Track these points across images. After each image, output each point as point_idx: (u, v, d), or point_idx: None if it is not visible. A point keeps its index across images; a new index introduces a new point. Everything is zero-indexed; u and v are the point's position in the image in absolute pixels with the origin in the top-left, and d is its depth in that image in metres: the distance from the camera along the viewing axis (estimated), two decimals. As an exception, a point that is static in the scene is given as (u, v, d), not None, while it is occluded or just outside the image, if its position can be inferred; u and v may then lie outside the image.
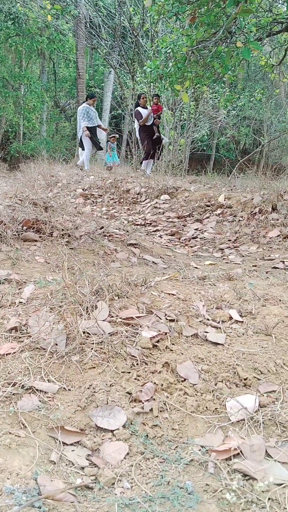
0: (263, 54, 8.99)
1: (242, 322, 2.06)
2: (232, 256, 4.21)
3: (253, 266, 3.82)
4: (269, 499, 1.20)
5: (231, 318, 2.08)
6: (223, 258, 4.16)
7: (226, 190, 6.70)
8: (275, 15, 6.49)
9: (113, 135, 10.39)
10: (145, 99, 9.58)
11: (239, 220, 5.29)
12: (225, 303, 2.23)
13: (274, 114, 19.43)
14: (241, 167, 12.58)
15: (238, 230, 5.02)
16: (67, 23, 17.26)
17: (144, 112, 9.59)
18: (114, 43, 12.80)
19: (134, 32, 10.93)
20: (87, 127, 9.71)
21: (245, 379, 1.65)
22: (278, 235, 4.64)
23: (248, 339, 1.90)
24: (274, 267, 3.75)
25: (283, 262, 3.89)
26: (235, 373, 1.68)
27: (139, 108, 9.66)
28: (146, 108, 9.71)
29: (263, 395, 1.59)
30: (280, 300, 2.26)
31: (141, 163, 10.23)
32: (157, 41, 6.66)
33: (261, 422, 1.47)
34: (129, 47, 11.92)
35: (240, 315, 2.11)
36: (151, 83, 9.85)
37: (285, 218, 4.91)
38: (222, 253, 4.40)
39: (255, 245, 4.58)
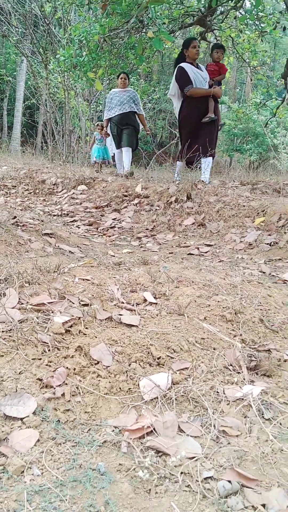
0: (176, 47, 9.14)
1: (156, 303, 2.06)
2: (149, 244, 4.24)
3: (169, 253, 3.88)
4: (181, 473, 1.21)
5: (145, 300, 2.08)
6: (141, 246, 4.18)
7: (143, 181, 6.74)
8: (187, 7, 6.59)
9: (98, 123, 8.16)
10: (197, 48, 5.44)
11: (156, 209, 5.34)
12: (139, 286, 2.23)
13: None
14: (158, 159, 12.75)
15: (155, 219, 5.07)
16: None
17: (192, 71, 5.44)
18: (25, 30, 12.38)
19: (46, 20, 10.64)
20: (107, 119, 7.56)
21: (158, 358, 1.65)
22: (193, 223, 4.74)
23: (162, 320, 1.91)
24: (190, 254, 3.82)
25: (198, 248, 3.98)
26: (148, 353, 1.67)
27: (183, 65, 5.45)
28: (198, 67, 5.57)
29: (176, 373, 1.60)
30: (192, 282, 2.30)
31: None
32: (69, 29, 6.52)
33: (174, 399, 1.47)
34: (41, 35, 11.58)
35: (154, 297, 2.12)
36: (65, 72, 9.55)
37: (199, 206, 5.03)
38: (139, 241, 4.42)
39: (171, 233, 4.65)
